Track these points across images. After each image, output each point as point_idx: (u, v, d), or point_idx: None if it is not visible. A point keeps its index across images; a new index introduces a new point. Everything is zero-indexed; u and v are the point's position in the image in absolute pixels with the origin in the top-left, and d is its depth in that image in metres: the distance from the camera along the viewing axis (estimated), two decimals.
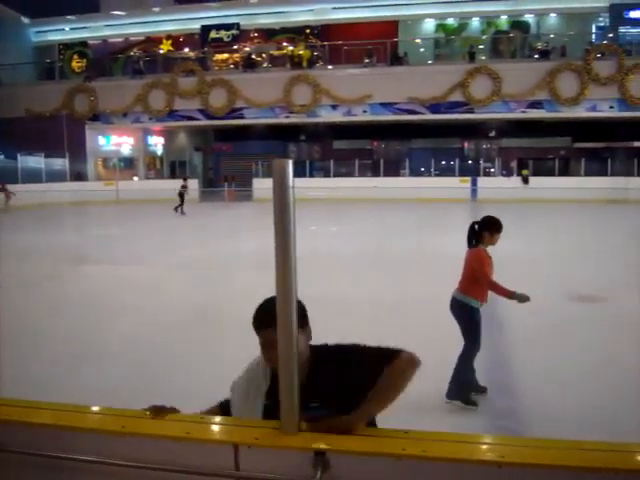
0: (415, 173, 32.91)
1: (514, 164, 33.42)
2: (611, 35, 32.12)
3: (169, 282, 11.81)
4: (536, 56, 30.77)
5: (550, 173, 31.70)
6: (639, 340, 7.13)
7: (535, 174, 31.27)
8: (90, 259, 14.37)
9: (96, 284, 11.54)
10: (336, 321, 8.66)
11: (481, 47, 33.74)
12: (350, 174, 32.45)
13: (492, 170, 33.75)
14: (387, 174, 32.28)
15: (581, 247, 15.57)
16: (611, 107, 29.46)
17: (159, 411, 2.26)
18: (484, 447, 2.10)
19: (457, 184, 30.81)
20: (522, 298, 5.44)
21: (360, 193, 29.07)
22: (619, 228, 19.84)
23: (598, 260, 13.57)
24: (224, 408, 2.69)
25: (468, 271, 5.81)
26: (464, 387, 5.79)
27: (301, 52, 33.03)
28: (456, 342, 5.75)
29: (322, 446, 2.00)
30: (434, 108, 30.10)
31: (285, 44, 36.31)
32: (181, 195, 25.44)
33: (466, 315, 5.74)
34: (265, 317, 2.38)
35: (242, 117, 32.24)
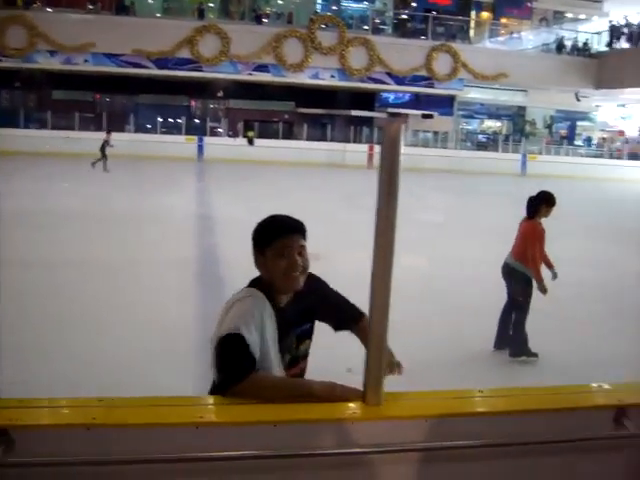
0: (141, 129, 31.85)
1: (241, 125, 33.89)
2: (335, 8, 33.73)
3: None
4: (264, 20, 31.33)
5: (275, 136, 32.64)
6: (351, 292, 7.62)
7: (260, 136, 32.01)
8: None
9: None
10: (51, 283, 8.13)
11: (211, 5, 33.34)
12: (70, 127, 30.33)
13: (219, 130, 33.96)
14: (111, 129, 30.80)
15: (301, 208, 16.21)
16: (332, 76, 31.10)
17: None
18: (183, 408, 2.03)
19: (183, 142, 30.57)
20: (542, 289, 6.22)
21: (84, 148, 27.41)
22: (336, 190, 21.14)
23: (317, 220, 14.25)
24: None
25: (523, 240, 6.33)
26: (525, 344, 6.33)
27: None
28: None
29: (3, 423, 1.73)
30: (161, 63, 29.29)
31: None
32: (102, 149, 22.83)
33: (517, 281, 6.24)
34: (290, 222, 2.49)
35: None
